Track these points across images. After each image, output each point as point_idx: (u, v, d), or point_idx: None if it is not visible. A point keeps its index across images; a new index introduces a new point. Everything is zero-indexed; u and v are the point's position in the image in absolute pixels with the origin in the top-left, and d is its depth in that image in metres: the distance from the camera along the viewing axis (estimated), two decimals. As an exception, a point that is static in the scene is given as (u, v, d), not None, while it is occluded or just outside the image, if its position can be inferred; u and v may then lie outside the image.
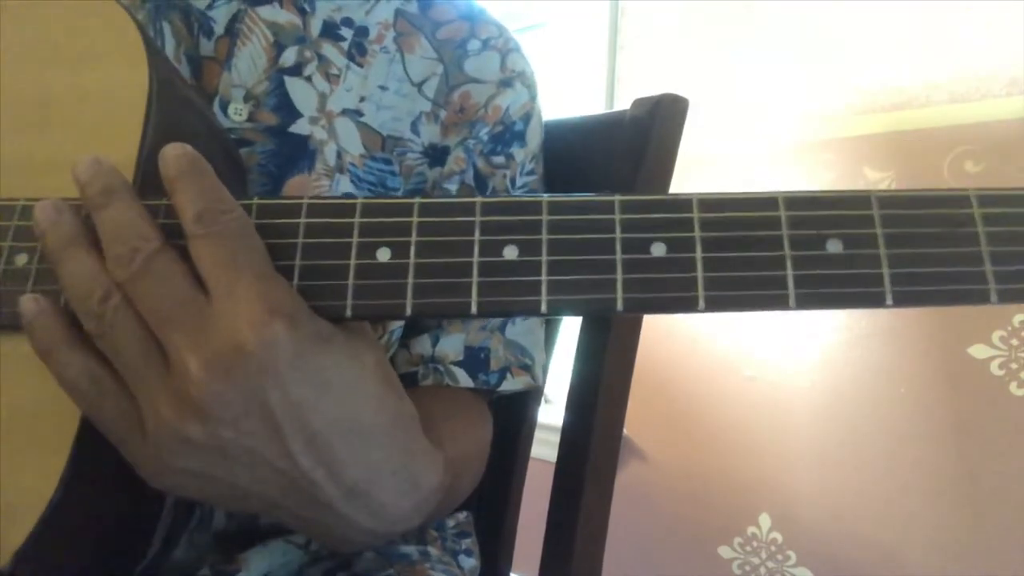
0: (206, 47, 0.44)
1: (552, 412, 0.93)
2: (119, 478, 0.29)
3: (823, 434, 1.27)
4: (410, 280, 0.27)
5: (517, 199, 0.28)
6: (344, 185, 0.46)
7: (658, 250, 0.26)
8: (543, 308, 0.26)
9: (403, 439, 0.31)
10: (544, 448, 0.72)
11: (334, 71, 0.46)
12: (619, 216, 0.27)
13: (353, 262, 0.27)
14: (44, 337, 0.27)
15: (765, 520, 1.33)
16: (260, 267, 0.26)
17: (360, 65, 0.47)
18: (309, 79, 0.45)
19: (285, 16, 0.46)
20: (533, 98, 0.54)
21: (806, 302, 0.25)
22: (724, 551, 1.38)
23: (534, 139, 0.54)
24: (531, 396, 0.61)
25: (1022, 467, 1.09)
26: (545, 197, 0.27)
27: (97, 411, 0.27)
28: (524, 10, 1.75)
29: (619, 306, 0.26)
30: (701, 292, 0.26)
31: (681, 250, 0.26)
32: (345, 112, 0.46)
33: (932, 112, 1.19)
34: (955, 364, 1.14)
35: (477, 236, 0.27)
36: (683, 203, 0.27)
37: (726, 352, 1.38)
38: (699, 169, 1.42)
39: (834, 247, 0.25)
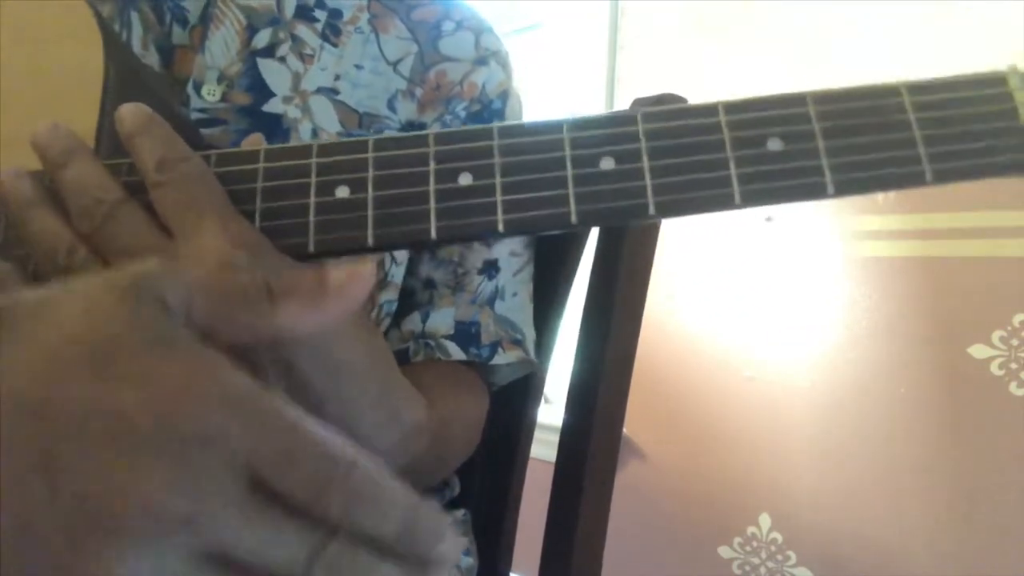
0: (180, 36, 0.44)
1: (552, 412, 0.93)
2: None
3: (823, 434, 1.27)
4: (370, 212, 0.28)
5: (469, 128, 0.29)
6: None
7: (607, 164, 0.27)
8: (500, 228, 0.27)
9: (379, 372, 0.31)
10: (544, 448, 0.72)
11: (308, 51, 0.47)
12: (567, 135, 0.28)
13: (313, 200, 0.28)
14: (18, 196, 0.28)
15: (765, 520, 1.33)
16: (221, 207, 0.27)
17: (335, 45, 0.48)
18: (283, 60, 0.46)
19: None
20: (510, 76, 0.55)
21: (751, 198, 0.26)
22: (724, 551, 1.37)
23: (514, 118, 0.54)
24: (531, 396, 0.61)
25: (1022, 467, 1.09)
26: (496, 124, 0.28)
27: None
28: (523, 10, 1.75)
29: (573, 219, 0.27)
30: (651, 199, 0.27)
31: (629, 161, 0.27)
32: (320, 90, 0.47)
33: (932, 112, 1.19)
34: (955, 364, 1.14)
35: (432, 166, 0.28)
36: (628, 118, 0.28)
37: (726, 352, 1.38)
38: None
39: (774, 145, 0.26)
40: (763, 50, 1.38)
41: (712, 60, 1.44)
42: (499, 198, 0.27)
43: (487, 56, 0.53)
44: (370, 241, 0.27)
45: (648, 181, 0.27)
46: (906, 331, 1.19)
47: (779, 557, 1.31)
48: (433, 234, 0.27)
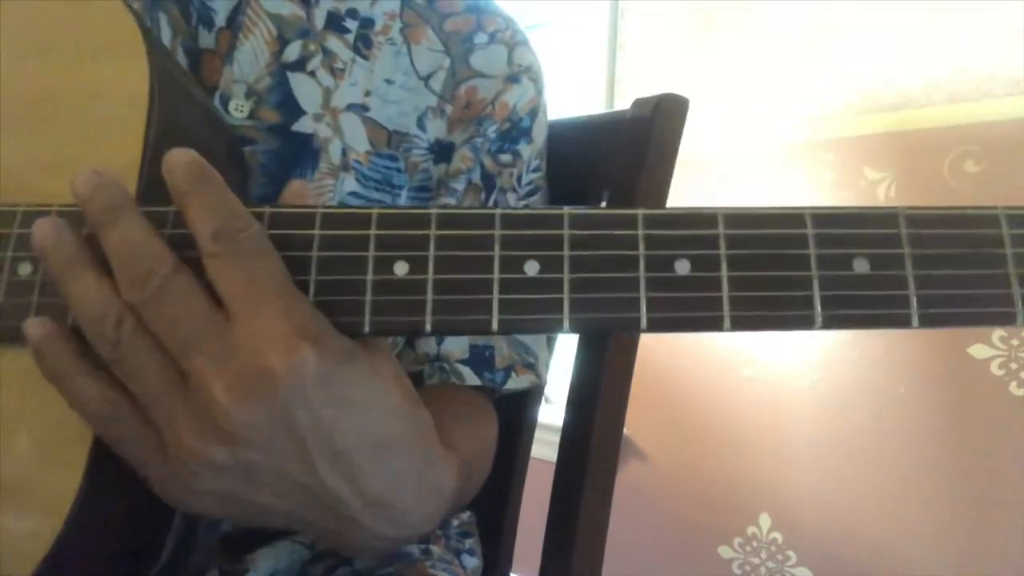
0: (205, 39, 0.43)
1: (552, 412, 0.93)
2: (133, 492, 0.29)
3: (823, 434, 1.27)
4: (429, 296, 0.26)
5: (538, 211, 0.27)
6: (349, 184, 0.45)
7: (682, 268, 0.25)
8: (566, 326, 0.26)
9: (422, 448, 0.31)
10: (544, 448, 0.72)
11: (339, 65, 0.45)
12: (642, 232, 0.26)
13: (370, 277, 0.26)
14: (54, 362, 0.26)
15: (765, 520, 1.33)
16: (281, 286, 0.25)
17: (366, 58, 0.47)
18: (313, 74, 0.44)
19: (289, 7, 0.45)
20: (540, 92, 0.54)
21: (832, 323, 0.25)
22: (724, 551, 1.37)
23: (540, 135, 0.54)
24: (532, 396, 0.61)
25: (1022, 467, 1.09)
26: (566, 210, 0.27)
27: (114, 435, 0.27)
28: (524, 10, 1.75)
29: (643, 325, 0.25)
30: (727, 312, 0.25)
31: (706, 268, 0.25)
32: (350, 107, 0.45)
33: (932, 112, 1.19)
34: (955, 364, 1.14)
35: (497, 251, 0.26)
36: (708, 218, 0.26)
37: (726, 352, 1.38)
38: (699, 169, 1.42)
39: (861, 266, 0.25)
40: (763, 50, 1.38)
41: (712, 60, 1.44)
42: (566, 295, 0.26)
43: (519, 73, 0.51)
44: (428, 328, 0.26)
45: (725, 292, 0.25)
46: (906, 331, 1.19)
47: (779, 557, 1.31)
48: (495, 326, 0.26)
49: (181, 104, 0.33)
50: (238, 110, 0.42)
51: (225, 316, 0.25)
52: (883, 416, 1.21)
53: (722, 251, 0.25)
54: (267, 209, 0.27)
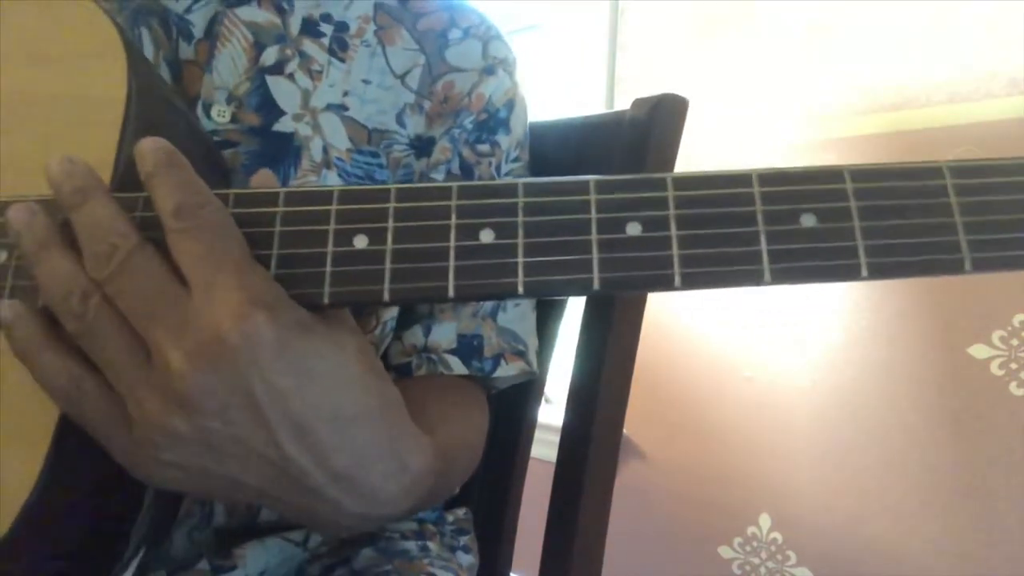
0: (185, 51, 0.44)
1: (552, 412, 0.93)
2: (97, 475, 0.29)
3: (823, 434, 1.27)
4: (387, 266, 0.27)
5: (493, 183, 0.28)
6: (332, 180, 0.46)
7: (633, 229, 0.26)
8: (520, 290, 0.26)
9: (388, 423, 0.31)
10: (544, 448, 0.72)
11: (316, 67, 0.47)
12: (594, 196, 0.27)
13: (331, 249, 0.27)
14: (22, 340, 0.27)
15: (765, 520, 1.33)
16: (239, 258, 0.26)
17: (342, 60, 0.48)
18: (291, 77, 0.46)
19: (264, 15, 0.46)
20: (516, 83, 0.54)
21: (781, 277, 0.25)
22: (724, 551, 1.38)
23: (518, 126, 0.54)
24: (531, 396, 0.61)
25: (1022, 467, 1.09)
26: (521, 180, 0.28)
27: (79, 410, 0.28)
28: (524, 10, 1.75)
29: (595, 285, 0.26)
30: (677, 270, 0.26)
31: (656, 229, 0.26)
32: (329, 107, 0.46)
33: (932, 112, 1.19)
34: (955, 364, 1.14)
35: (453, 220, 0.27)
36: (658, 182, 0.27)
37: (726, 352, 1.38)
38: (699, 169, 1.42)
39: (808, 221, 0.25)
40: (763, 50, 1.38)
41: (712, 60, 1.44)
42: (520, 259, 0.26)
43: (494, 65, 0.52)
44: (386, 296, 0.27)
45: (675, 251, 0.26)
46: (906, 331, 1.19)
47: (779, 557, 1.31)
48: (451, 292, 0.26)
49: (159, 109, 0.34)
50: (220, 115, 0.43)
51: (186, 289, 0.26)
52: (883, 416, 1.21)
53: (671, 212, 0.26)
54: (232, 191, 0.28)
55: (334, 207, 0.28)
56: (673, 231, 0.26)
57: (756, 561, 1.34)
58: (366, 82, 0.48)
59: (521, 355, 0.51)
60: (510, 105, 0.53)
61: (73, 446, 0.28)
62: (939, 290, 1.16)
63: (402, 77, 0.50)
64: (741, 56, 1.40)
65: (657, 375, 1.45)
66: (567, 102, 1.65)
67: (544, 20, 1.75)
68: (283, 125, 0.45)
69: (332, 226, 0.27)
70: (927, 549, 1.16)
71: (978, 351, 1.13)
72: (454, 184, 0.28)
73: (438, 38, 0.51)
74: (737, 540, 1.36)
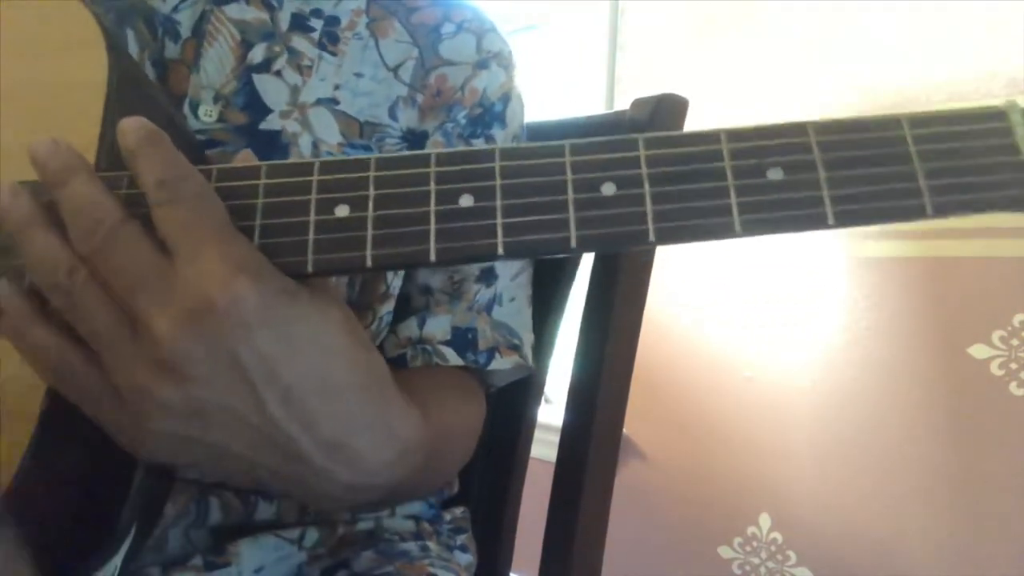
0: (172, 50, 0.44)
1: (552, 412, 0.93)
2: (82, 456, 0.30)
3: (823, 434, 1.27)
4: (369, 232, 0.27)
5: (471, 149, 0.29)
6: None
7: (608, 189, 0.27)
8: (500, 251, 0.27)
9: (376, 391, 0.31)
10: (544, 448, 0.72)
11: (306, 62, 0.47)
12: (569, 158, 0.28)
13: (313, 218, 0.28)
14: (10, 318, 0.27)
15: (765, 520, 1.33)
16: (222, 228, 0.27)
17: (333, 54, 0.48)
18: (279, 74, 0.46)
19: (252, 13, 0.46)
20: (511, 77, 0.54)
21: (751, 228, 0.26)
22: (724, 551, 1.38)
23: (514, 120, 0.54)
24: (531, 395, 0.61)
25: (1021, 467, 1.09)
26: (498, 147, 0.28)
27: (68, 384, 0.28)
28: (524, 10, 1.75)
29: (573, 244, 0.27)
30: (651, 225, 0.27)
31: (630, 186, 0.27)
32: (320, 102, 0.46)
33: (932, 112, 1.19)
34: (955, 364, 1.14)
35: (433, 186, 0.28)
36: (630, 143, 0.28)
37: (725, 352, 1.38)
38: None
39: (775, 174, 0.27)
40: (763, 50, 1.38)
41: (712, 60, 1.44)
42: (499, 221, 0.27)
43: (488, 59, 0.52)
44: (368, 262, 0.27)
45: (648, 208, 0.27)
46: (906, 331, 1.19)
47: (779, 557, 1.31)
48: (432, 256, 0.27)
49: (143, 103, 0.34)
50: (207, 115, 0.44)
51: (170, 260, 0.26)
52: (883, 416, 1.21)
53: (643, 171, 0.27)
54: (214, 167, 0.29)
55: (315, 177, 0.28)
56: (646, 188, 0.27)
57: (756, 561, 1.34)
58: (358, 75, 0.48)
59: (516, 349, 0.51)
60: (505, 99, 0.53)
61: (59, 426, 0.29)
62: (939, 290, 1.16)
63: (395, 70, 0.50)
64: (741, 56, 1.40)
65: (657, 375, 1.45)
66: (567, 102, 1.65)
67: (544, 20, 1.75)
68: (270, 123, 0.45)
69: (314, 196, 0.28)
70: (927, 549, 1.16)
71: (978, 351, 1.13)
72: (433, 152, 0.28)
73: (431, 32, 0.51)
74: (737, 540, 1.36)
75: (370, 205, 0.28)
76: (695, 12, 1.47)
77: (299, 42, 0.47)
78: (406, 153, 0.29)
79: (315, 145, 0.46)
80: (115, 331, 0.27)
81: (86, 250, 0.26)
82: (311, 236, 0.28)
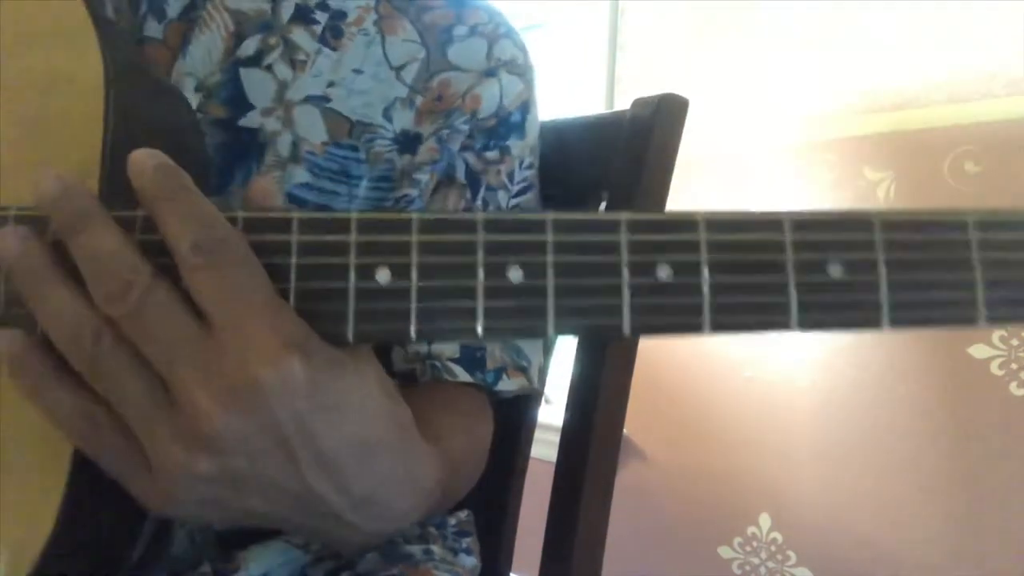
0: (153, 29, 0.42)
1: (552, 412, 0.93)
2: (112, 498, 0.28)
3: (823, 434, 1.27)
4: (413, 304, 0.26)
5: (520, 217, 0.27)
6: (299, 175, 0.45)
7: (664, 273, 0.26)
8: (550, 332, 0.26)
9: (404, 445, 0.31)
10: (544, 448, 0.72)
11: (301, 57, 0.45)
12: (625, 237, 0.26)
13: (352, 285, 0.26)
14: (28, 377, 0.25)
15: (765, 520, 1.33)
16: (265, 296, 0.25)
17: (334, 49, 0.46)
18: (269, 68, 0.44)
19: (251, 3, 0.45)
20: (529, 85, 0.52)
21: (806, 325, 0.26)
22: (724, 551, 1.38)
23: (532, 131, 0.53)
24: (531, 397, 0.61)
25: (1022, 467, 1.09)
26: (550, 215, 0.27)
27: (94, 448, 0.26)
28: (524, 10, 1.75)
29: (626, 330, 0.26)
30: (707, 317, 0.26)
31: (687, 274, 0.26)
32: (309, 99, 0.45)
33: (932, 112, 1.19)
34: (955, 364, 1.14)
35: (480, 257, 0.26)
36: (689, 224, 0.26)
37: (726, 352, 1.38)
38: (699, 169, 1.42)
39: (835, 271, 0.26)
40: (763, 50, 1.38)
41: (712, 60, 1.44)
42: (551, 302, 0.26)
43: (497, 67, 0.50)
44: (413, 335, 0.26)
45: (706, 298, 0.26)
46: (906, 331, 1.19)
47: (779, 557, 1.31)
48: (480, 333, 0.26)
49: (140, 92, 0.32)
50: None
51: (208, 326, 0.25)
52: (883, 416, 1.21)
53: (703, 256, 0.26)
54: (240, 214, 0.27)
55: (353, 238, 0.26)
56: (704, 277, 0.26)
57: (756, 561, 1.34)
58: (357, 71, 0.47)
59: (523, 371, 0.50)
60: (524, 108, 0.51)
61: (89, 479, 0.27)
62: (939, 290, 1.16)
63: (398, 69, 0.48)
64: (741, 56, 1.40)
65: (657, 375, 1.45)
66: (567, 102, 1.65)
67: (544, 20, 1.75)
68: (249, 120, 0.43)
69: (353, 260, 0.26)
70: (926, 549, 1.16)
71: (978, 351, 1.13)
72: (479, 216, 0.27)
73: (442, 34, 0.49)
74: (737, 540, 1.36)
75: (414, 274, 0.26)
76: (695, 12, 1.47)
77: (298, 34, 0.45)
78: (450, 216, 0.27)
79: (295, 144, 0.44)
80: (148, 400, 0.25)
81: (116, 313, 0.24)
82: (351, 305, 0.26)
